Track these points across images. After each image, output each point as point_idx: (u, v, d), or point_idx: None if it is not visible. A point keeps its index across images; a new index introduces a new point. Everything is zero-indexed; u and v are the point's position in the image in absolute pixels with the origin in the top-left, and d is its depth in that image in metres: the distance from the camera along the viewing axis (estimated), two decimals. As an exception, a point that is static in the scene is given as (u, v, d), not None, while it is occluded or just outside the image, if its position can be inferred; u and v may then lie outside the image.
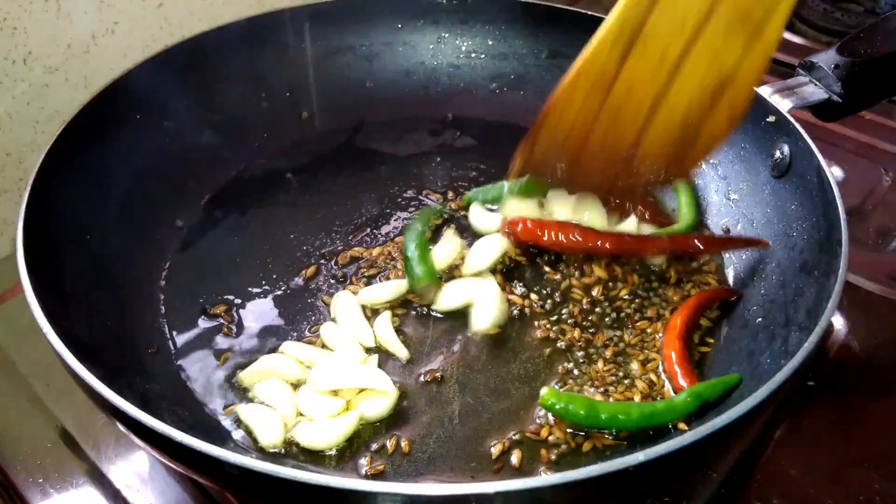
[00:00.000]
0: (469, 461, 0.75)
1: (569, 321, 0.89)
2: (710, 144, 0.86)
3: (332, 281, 0.94)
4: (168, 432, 0.59)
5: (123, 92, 0.97)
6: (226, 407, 0.80)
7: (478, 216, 1.00)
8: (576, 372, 0.83)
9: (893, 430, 0.85)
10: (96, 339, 0.78)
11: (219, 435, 0.77)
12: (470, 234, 0.99)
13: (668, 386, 0.81)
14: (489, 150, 1.11)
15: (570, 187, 0.95)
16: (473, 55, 1.20)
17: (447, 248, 0.94)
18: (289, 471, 0.56)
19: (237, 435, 0.77)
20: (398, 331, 0.87)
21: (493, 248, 0.94)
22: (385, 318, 0.87)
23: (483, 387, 0.82)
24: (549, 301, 0.91)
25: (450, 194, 1.06)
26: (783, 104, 0.91)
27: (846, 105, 0.91)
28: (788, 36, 1.44)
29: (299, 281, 0.94)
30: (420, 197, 1.06)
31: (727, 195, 1.00)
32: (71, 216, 0.86)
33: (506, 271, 0.94)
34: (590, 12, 1.12)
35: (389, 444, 0.77)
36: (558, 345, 0.86)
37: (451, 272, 0.93)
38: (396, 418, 0.79)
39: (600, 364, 0.84)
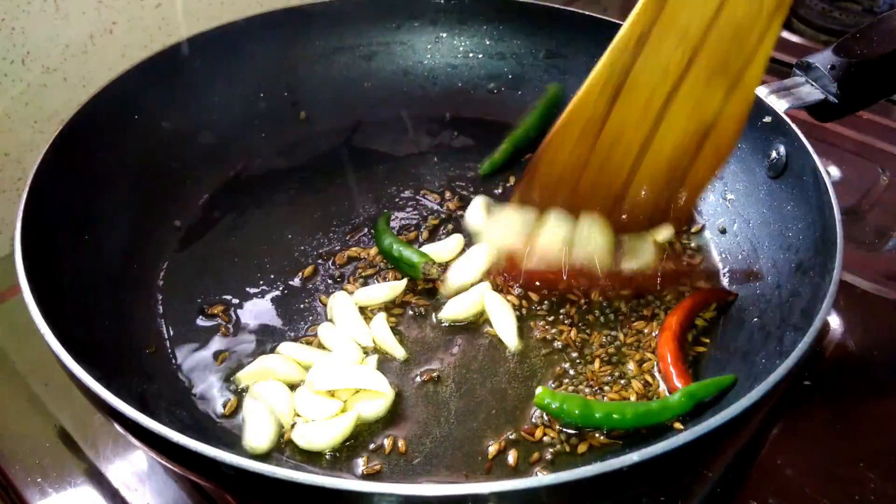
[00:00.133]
0: (465, 461, 0.76)
1: (566, 321, 0.89)
2: (697, 188, 0.90)
3: (330, 281, 0.94)
4: (165, 433, 0.59)
5: (121, 92, 0.97)
6: (223, 407, 0.80)
7: (476, 216, 1.00)
8: (572, 372, 0.84)
9: (889, 430, 0.85)
10: (94, 339, 0.79)
11: (216, 435, 0.77)
12: (468, 234, 0.99)
13: (663, 386, 0.82)
14: (487, 150, 1.11)
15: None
16: (471, 55, 1.20)
17: (448, 245, 0.95)
18: (285, 471, 0.56)
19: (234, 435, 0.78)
20: (395, 331, 0.87)
21: (479, 260, 0.93)
22: (382, 319, 0.87)
23: (479, 387, 0.82)
24: (546, 302, 0.91)
25: (447, 194, 1.06)
26: (779, 105, 0.91)
27: (843, 106, 0.91)
28: (786, 35, 1.44)
29: (297, 281, 0.94)
30: (417, 197, 1.06)
31: (723, 195, 1.00)
32: (69, 216, 0.86)
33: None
34: (587, 12, 1.12)
35: (386, 444, 0.77)
36: (555, 345, 0.86)
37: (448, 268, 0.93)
38: (393, 418, 0.79)
39: (596, 364, 0.84)
